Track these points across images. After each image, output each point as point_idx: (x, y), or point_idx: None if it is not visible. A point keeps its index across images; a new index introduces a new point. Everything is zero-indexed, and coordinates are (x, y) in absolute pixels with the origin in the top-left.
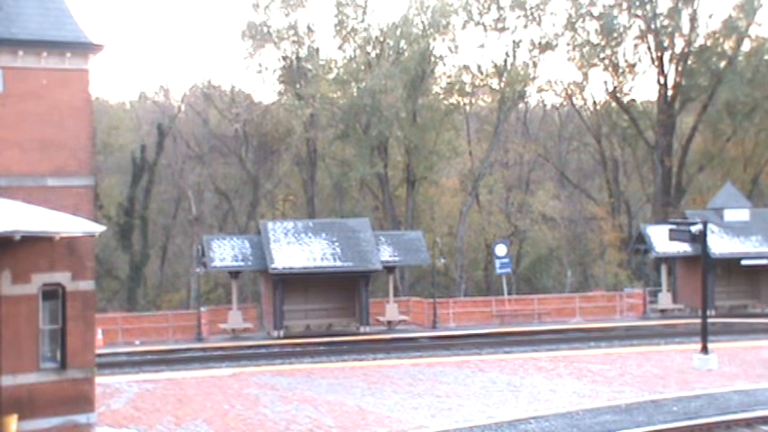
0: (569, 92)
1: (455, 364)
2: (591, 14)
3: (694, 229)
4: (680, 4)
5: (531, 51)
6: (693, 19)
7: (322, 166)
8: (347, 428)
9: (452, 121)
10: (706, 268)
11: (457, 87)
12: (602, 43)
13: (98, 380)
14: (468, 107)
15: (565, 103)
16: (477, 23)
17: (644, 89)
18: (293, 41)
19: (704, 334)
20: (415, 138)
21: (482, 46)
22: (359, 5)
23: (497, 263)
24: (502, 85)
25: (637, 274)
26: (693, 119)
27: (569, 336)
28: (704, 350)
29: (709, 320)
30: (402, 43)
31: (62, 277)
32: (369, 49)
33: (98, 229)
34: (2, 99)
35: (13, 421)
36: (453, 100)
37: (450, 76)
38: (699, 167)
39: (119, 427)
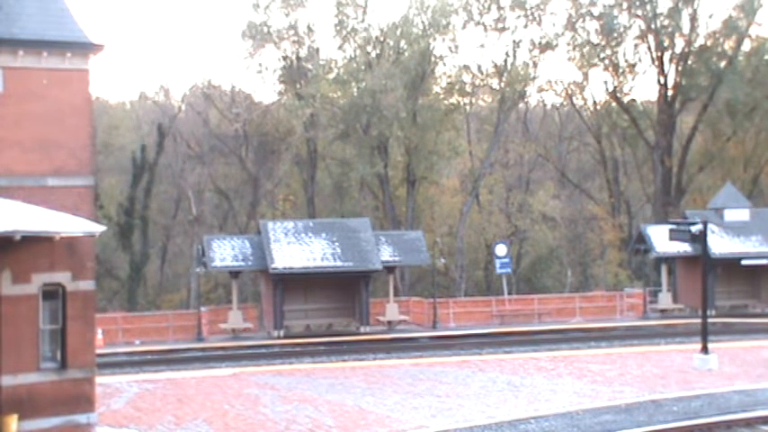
0: (569, 92)
1: (455, 363)
2: (591, 14)
3: (694, 229)
4: (680, 4)
5: (531, 51)
6: (693, 19)
7: (322, 166)
8: (347, 428)
9: (452, 121)
10: (706, 268)
11: (457, 87)
12: (603, 43)
13: (98, 380)
14: (468, 107)
15: (565, 103)
16: (478, 23)
17: (644, 89)
18: (293, 41)
19: (704, 334)
20: (415, 138)
21: (482, 46)
22: (359, 5)
23: (497, 263)
24: (502, 85)
25: (637, 274)
26: (693, 119)
27: (569, 336)
28: (704, 350)
29: (710, 320)
30: (402, 43)
31: (62, 277)
32: (369, 49)
33: (98, 229)
34: (2, 99)
35: (13, 421)
36: (453, 100)
37: (450, 76)
38: (699, 167)
39: (119, 426)
